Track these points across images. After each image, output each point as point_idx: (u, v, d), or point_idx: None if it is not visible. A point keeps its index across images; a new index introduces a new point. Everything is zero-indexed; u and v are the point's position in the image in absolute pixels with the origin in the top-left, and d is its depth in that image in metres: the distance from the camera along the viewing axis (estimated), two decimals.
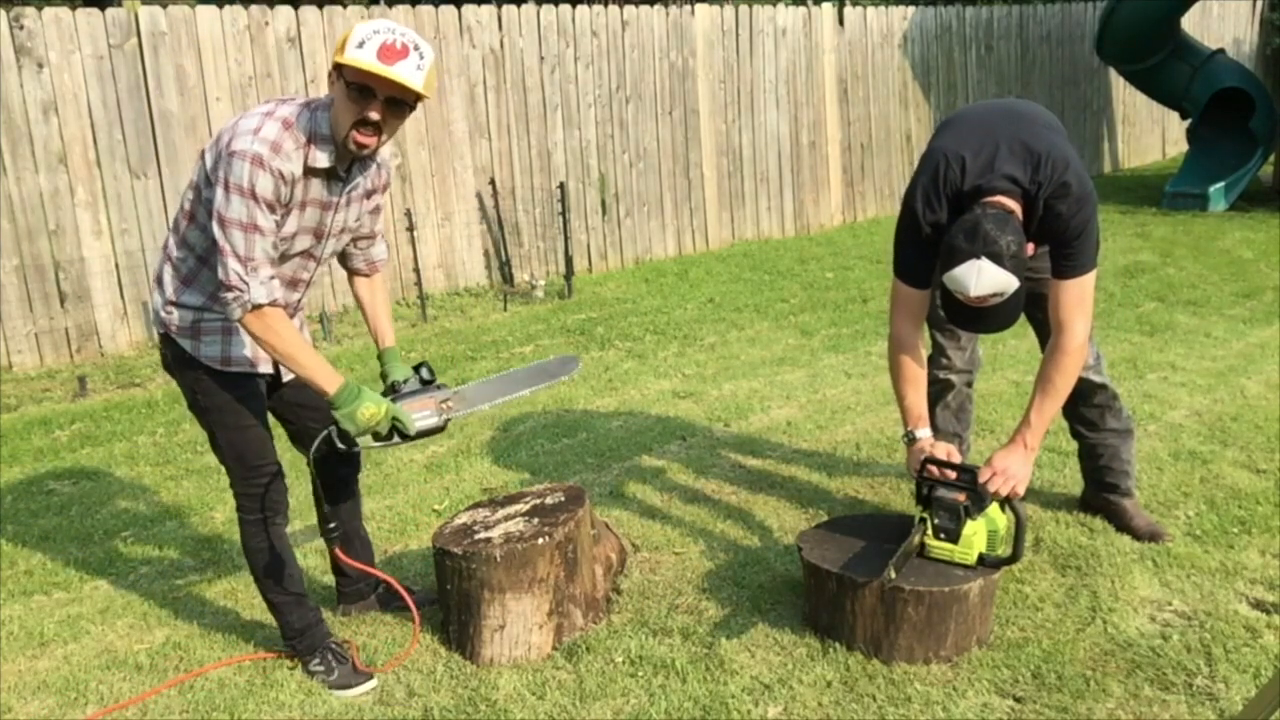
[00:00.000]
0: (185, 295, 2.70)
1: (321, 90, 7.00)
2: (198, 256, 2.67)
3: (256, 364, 2.79)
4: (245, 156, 2.45)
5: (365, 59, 2.41)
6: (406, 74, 2.41)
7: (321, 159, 2.55)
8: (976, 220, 2.73)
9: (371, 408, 2.63)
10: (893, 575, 2.75)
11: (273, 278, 2.56)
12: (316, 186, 2.60)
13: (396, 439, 2.72)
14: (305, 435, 2.91)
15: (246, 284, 2.50)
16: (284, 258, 2.67)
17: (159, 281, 2.75)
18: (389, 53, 2.41)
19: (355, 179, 2.69)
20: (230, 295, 2.52)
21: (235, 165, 2.46)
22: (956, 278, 2.73)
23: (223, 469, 2.89)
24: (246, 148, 2.46)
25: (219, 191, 2.48)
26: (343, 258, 2.94)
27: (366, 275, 2.99)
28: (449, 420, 2.81)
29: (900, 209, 3.05)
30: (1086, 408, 3.51)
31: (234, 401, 2.76)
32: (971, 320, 2.92)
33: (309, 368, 2.59)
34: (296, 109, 2.56)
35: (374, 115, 2.49)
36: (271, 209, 2.50)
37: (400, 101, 2.51)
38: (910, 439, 3.06)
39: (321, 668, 2.91)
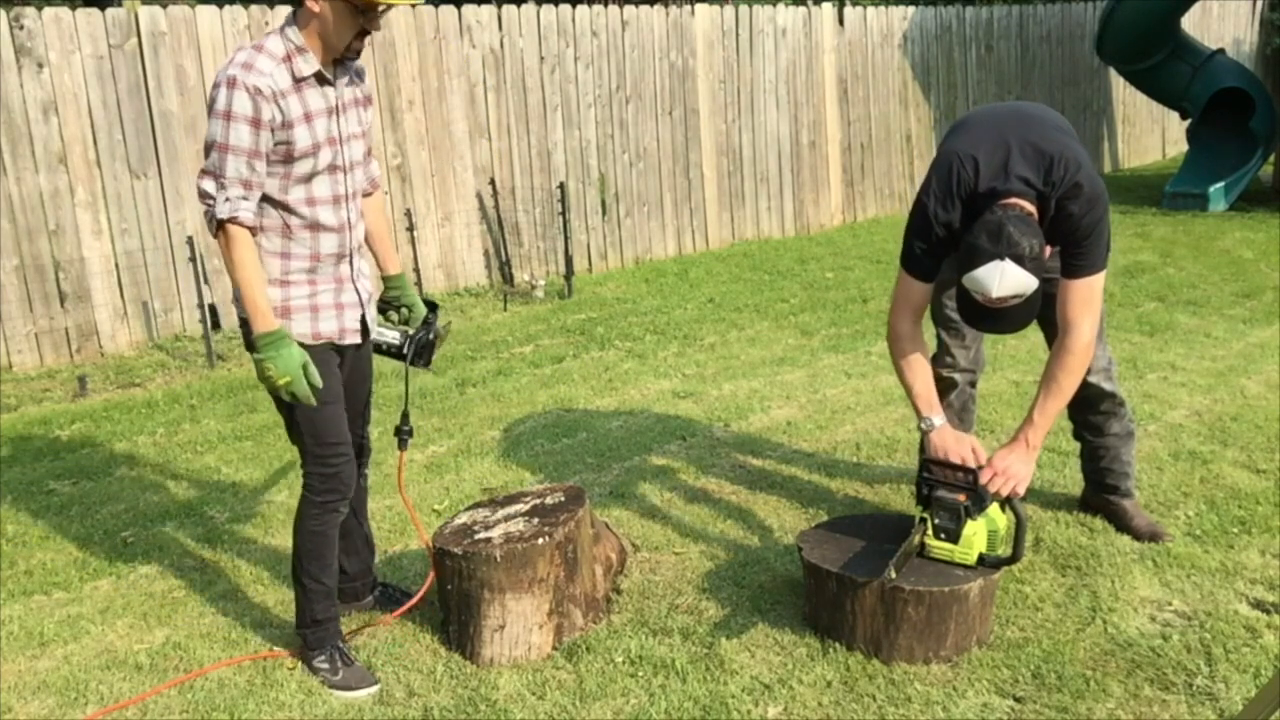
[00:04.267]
0: (265, 269, 2.77)
1: None
2: (257, 230, 2.76)
3: (342, 336, 2.90)
4: (222, 82, 2.62)
5: None
6: None
7: (307, 67, 2.70)
8: (1000, 222, 2.74)
9: (276, 369, 2.68)
10: (893, 575, 2.75)
11: (244, 198, 2.66)
12: (313, 96, 2.73)
13: (422, 364, 3.08)
14: (351, 398, 3.01)
15: (214, 198, 2.65)
16: (313, 176, 2.77)
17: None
18: None
19: (343, 80, 2.83)
20: (203, 210, 2.69)
21: (216, 93, 2.63)
22: (978, 279, 2.74)
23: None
24: (223, 75, 2.63)
25: (208, 121, 2.66)
26: None
27: (368, 194, 3.07)
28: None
29: (912, 207, 3.06)
30: (1094, 414, 3.52)
31: (322, 376, 2.81)
32: (987, 321, 2.92)
33: (251, 300, 2.68)
34: (264, 38, 2.73)
35: (377, 28, 2.73)
36: (254, 125, 2.62)
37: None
38: (928, 426, 3.05)
39: (326, 665, 2.92)
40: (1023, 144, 2.88)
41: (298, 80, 2.69)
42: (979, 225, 2.79)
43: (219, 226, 2.66)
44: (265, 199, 2.73)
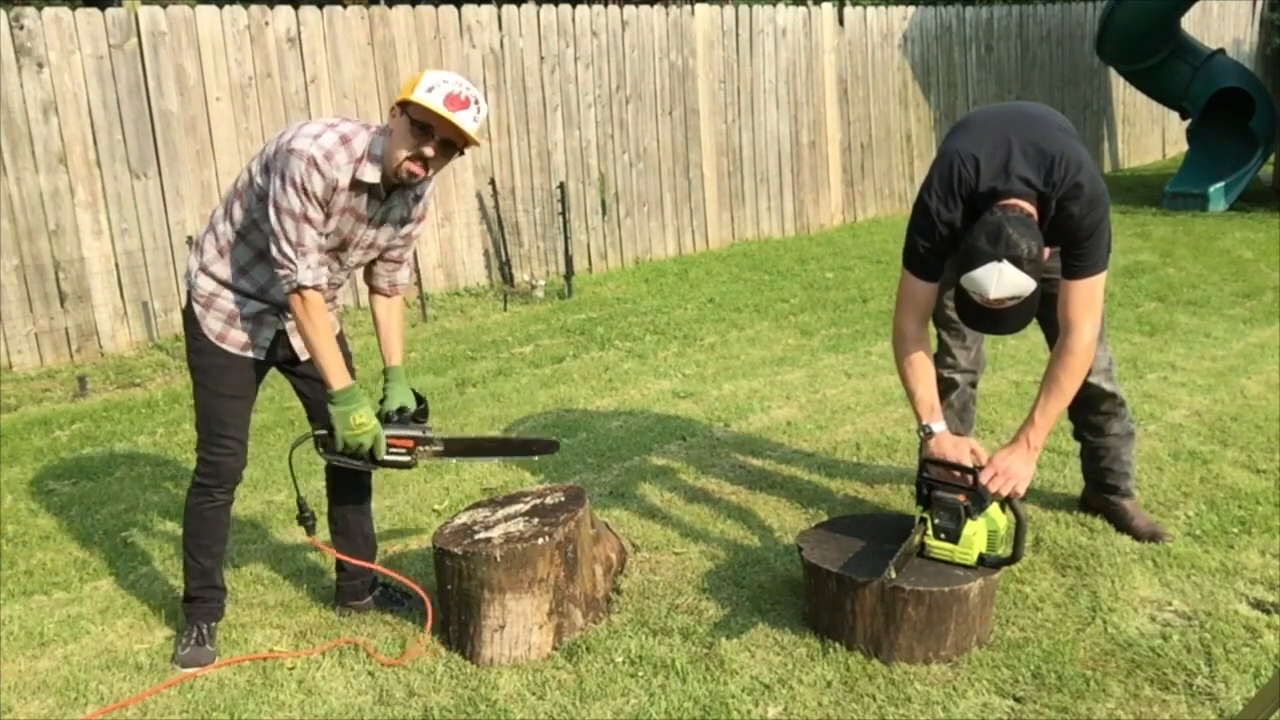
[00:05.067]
0: (216, 265, 2.92)
1: (322, 89, 7.02)
2: (237, 232, 2.89)
3: (246, 350, 2.98)
4: (303, 157, 2.69)
5: (433, 103, 2.68)
6: (464, 122, 2.71)
7: (370, 175, 2.78)
8: (999, 223, 2.74)
9: (363, 417, 2.85)
10: (893, 575, 2.75)
11: (321, 264, 2.78)
12: (357, 200, 2.82)
13: (359, 463, 2.94)
14: (321, 410, 3.04)
15: (295, 265, 2.75)
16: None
17: (198, 247, 2.98)
18: (453, 101, 2.70)
19: (393, 203, 2.91)
20: (281, 274, 2.77)
21: (293, 162, 2.70)
22: (976, 279, 2.73)
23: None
24: (305, 148, 2.70)
25: (276, 182, 2.73)
26: (368, 274, 3.12)
27: (386, 295, 3.15)
28: (417, 462, 2.99)
29: (914, 205, 3.05)
30: (1094, 414, 3.51)
31: (221, 368, 2.96)
32: (985, 322, 2.91)
33: (327, 359, 2.82)
34: (355, 128, 2.81)
35: (429, 152, 2.75)
36: (320, 204, 2.75)
37: (451, 144, 2.77)
38: (927, 433, 3.02)
39: (183, 638, 3.06)
40: (1024, 144, 2.88)
41: (356, 182, 2.77)
42: (978, 226, 2.78)
43: (296, 290, 2.76)
44: (259, 227, 2.85)
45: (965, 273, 2.77)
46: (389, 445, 2.92)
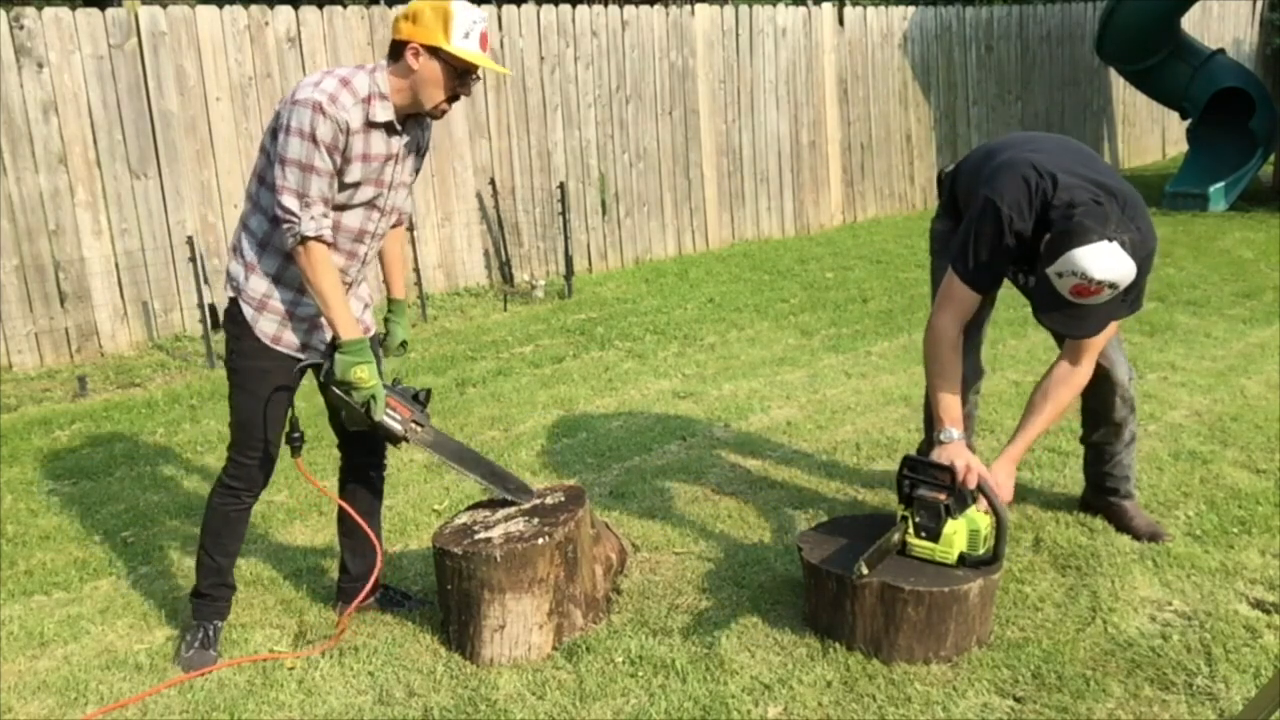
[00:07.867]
0: (263, 261, 2.87)
1: None
2: (271, 219, 2.82)
3: (301, 351, 2.94)
4: (306, 104, 2.67)
5: (473, 50, 2.72)
6: (496, 60, 2.66)
7: (382, 113, 2.77)
8: (1105, 210, 2.71)
9: (366, 371, 2.78)
10: (864, 571, 2.74)
11: (325, 215, 2.74)
12: (378, 140, 2.80)
13: (361, 410, 2.84)
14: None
15: (298, 216, 2.70)
16: (348, 207, 2.84)
17: (236, 249, 2.92)
18: (484, 41, 2.76)
19: (411, 134, 2.91)
20: (285, 226, 2.73)
21: (297, 111, 2.68)
22: (1077, 259, 2.62)
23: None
24: (308, 96, 2.68)
25: (281, 136, 2.70)
26: None
27: (394, 225, 3.12)
28: (405, 440, 2.96)
29: (979, 215, 2.98)
30: (1108, 424, 3.53)
31: (263, 373, 2.92)
32: (1063, 315, 2.81)
33: (336, 309, 2.77)
34: (352, 70, 2.78)
35: (468, 93, 2.82)
36: (330, 152, 2.71)
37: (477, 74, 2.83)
38: (949, 437, 2.98)
39: (188, 637, 3.06)
40: (1089, 177, 2.91)
41: (369, 123, 2.76)
42: (1077, 213, 2.71)
43: (300, 241, 2.72)
44: None
45: (1066, 251, 2.66)
46: (387, 406, 2.88)
